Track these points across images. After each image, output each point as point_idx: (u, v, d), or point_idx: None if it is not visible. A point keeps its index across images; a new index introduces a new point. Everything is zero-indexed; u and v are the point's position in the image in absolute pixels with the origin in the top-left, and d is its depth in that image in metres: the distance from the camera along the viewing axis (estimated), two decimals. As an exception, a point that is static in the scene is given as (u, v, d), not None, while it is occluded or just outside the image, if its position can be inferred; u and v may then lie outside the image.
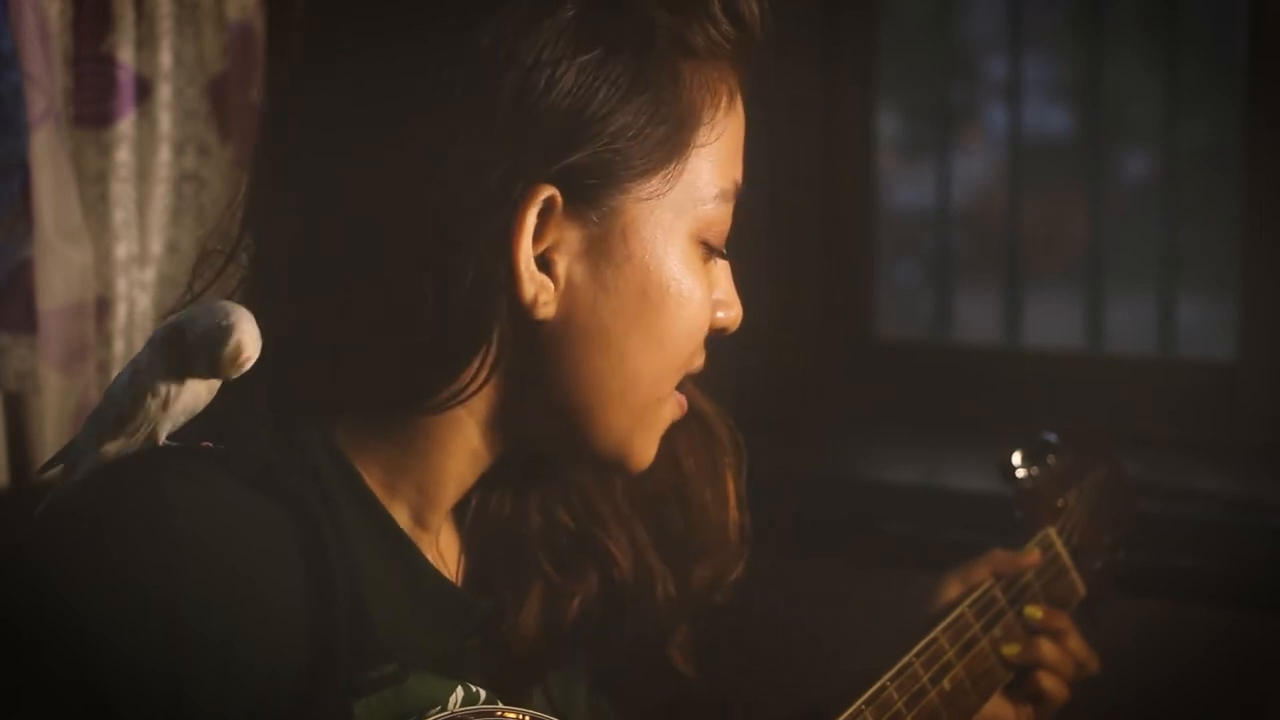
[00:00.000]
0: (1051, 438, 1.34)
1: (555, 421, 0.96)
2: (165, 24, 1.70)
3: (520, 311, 0.91)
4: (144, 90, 1.69)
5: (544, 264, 0.92)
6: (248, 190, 0.96)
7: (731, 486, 1.11)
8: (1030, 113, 2.21)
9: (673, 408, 1.00)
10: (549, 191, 0.90)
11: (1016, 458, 1.32)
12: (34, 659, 0.79)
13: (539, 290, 0.91)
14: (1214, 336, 2.10)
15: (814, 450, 2.09)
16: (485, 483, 1.02)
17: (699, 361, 1.00)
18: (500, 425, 0.96)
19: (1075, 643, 1.24)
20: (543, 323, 0.93)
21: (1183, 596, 1.74)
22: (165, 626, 0.79)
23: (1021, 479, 1.32)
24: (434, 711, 0.89)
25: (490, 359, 0.91)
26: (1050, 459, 1.33)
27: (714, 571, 1.10)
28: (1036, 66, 2.23)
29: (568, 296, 0.93)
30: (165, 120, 1.71)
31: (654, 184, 0.93)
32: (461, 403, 0.92)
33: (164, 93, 1.70)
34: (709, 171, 0.95)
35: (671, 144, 0.93)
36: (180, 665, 0.79)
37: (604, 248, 0.93)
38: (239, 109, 1.75)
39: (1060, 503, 1.32)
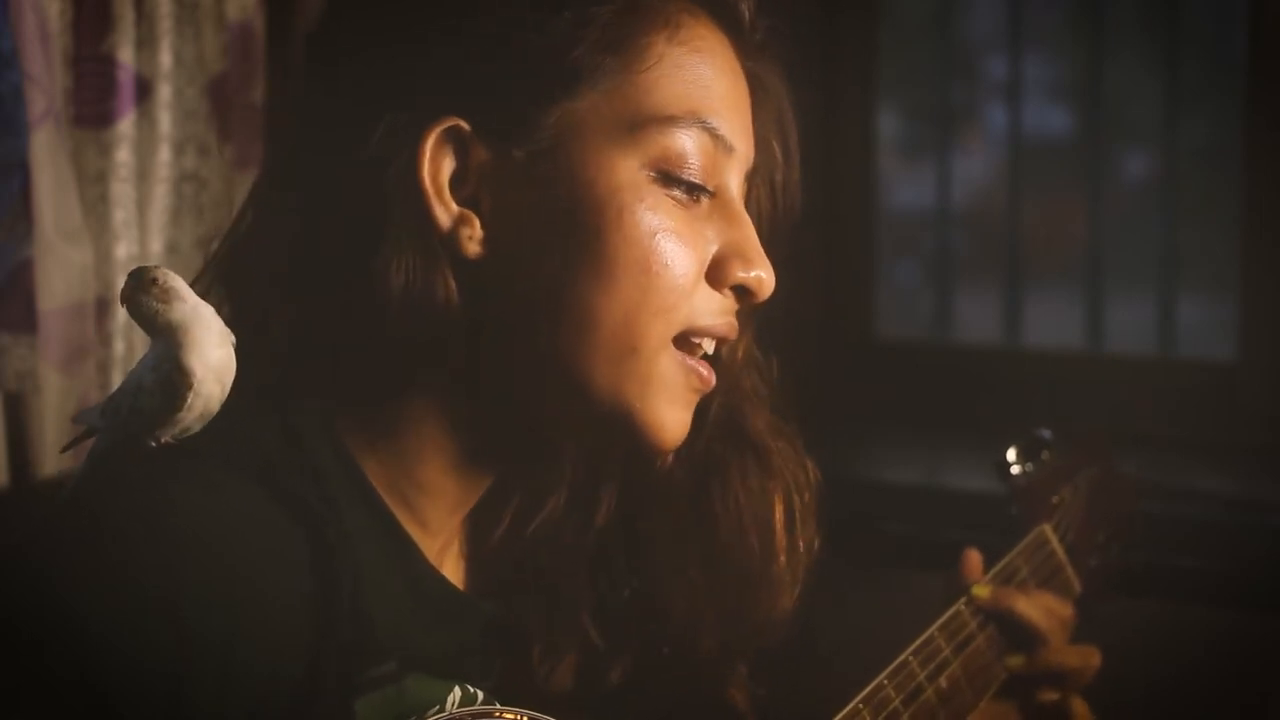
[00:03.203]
0: (1046, 435, 1.35)
1: (541, 385, 0.93)
2: (165, 24, 1.69)
3: (452, 249, 0.90)
4: (144, 90, 1.69)
5: (473, 203, 0.91)
6: (253, 188, 0.97)
7: (781, 523, 1.07)
8: (1030, 113, 2.21)
9: (676, 367, 0.94)
10: (450, 121, 0.90)
11: (1011, 454, 1.33)
12: (34, 659, 0.79)
13: (457, 224, 0.90)
14: (1214, 336, 2.10)
15: (814, 450, 2.08)
16: (522, 516, 1.02)
17: (705, 319, 0.94)
18: (489, 402, 0.94)
19: (1060, 653, 1.23)
20: (483, 267, 0.91)
21: (1183, 596, 1.74)
22: (166, 627, 0.79)
23: (1015, 476, 1.32)
24: (433, 712, 0.89)
25: (447, 308, 0.90)
26: (1045, 455, 1.34)
27: (759, 615, 1.06)
28: (1036, 66, 2.23)
29: (500, 232, 0.91)
30: (165, 120, 1.70)
31: (578, 107, 0.91)
32: (435, 365, 0.92)
33: (164, 93, 1.70)
34: (651, 95, 0.92)
35: (595, 67, 0.91)
36: (181, 665, 0.79)
37: (532, 176, 0.91)
38: (239, 109, 1.75)
39: (1055, 499, 1.32)
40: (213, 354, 0.88)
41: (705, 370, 0.96)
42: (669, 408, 0.94)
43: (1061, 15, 2.26)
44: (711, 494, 1.05)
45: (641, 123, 0.92)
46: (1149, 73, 2.15)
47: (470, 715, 0.90)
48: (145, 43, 1.69)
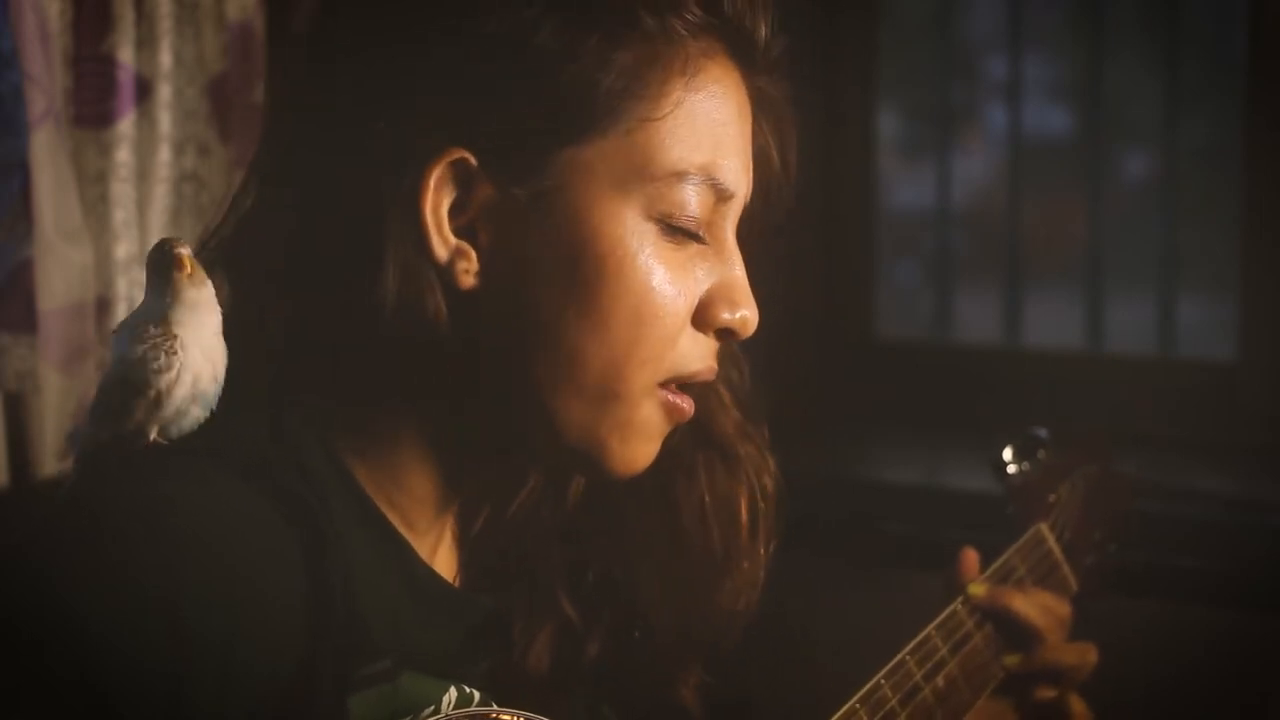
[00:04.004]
0: (1041, 434, 1.35)
1: (519, 415, 0.94)
2: (165, 24, 1.70)
3: (446, 279, 0.90)
4: (144, 90, 1.69)
5: (470, 234, 0.91)
6: (242, 184, 0.97)
7: (745, 525, 1.07)
8: (1030, 113, 2.21)
9: (657, 409, 0.95)
10: (457, 154, 0.89)
11: (1007, 454, 1.33)
12: (34, 659, 0.79)
13: (454, 256, 0.90)
14: (1214, 336, 2.10)
15: (814, 450, 2.09)
16: (501, 502, 1.02)
17: (690, 365, 0.95)
18: (470, 423, 0.94)
19: (1057, 651, 1.23)
20: (475, 297, 0.91)
21: (1183, 596, 1.74)
22: (165, 626, 0.79)
23: (1012, 475, 1.32)
24: (428, 712, 0.89)
25: (436, 330, 0.90)
26: (1041, 454, 1.34)
27: (717, 612, 1.07)
28: (1036, 66, 2.23)
29: (495, 267, 0.91)
30: (165, 120, 1.71)
31: (587, 152, 0.91)
32: (423, 381, 0.91)
33: (164, 93, 1.70)
34: (665, 148, 0.92)
35: (606, 112, 0.90)
36: (180, 665, 0.79)
37: (533, 216, 0.91)
38: (239, 109, 1.75)
39: (1052, 498, 1.32)
40: (202, 331, 0.87)
41: (685, 404, 0.96)
42: (642, 446, 0.96)
43: (1061, 15, 2.26)
44: (677, 489, 1.05)
45: (650, 175, 0.91)
46: (1149, 73, 2.15)
47: (467, 717, 0.90)
48: (145, 43, 1.69)
